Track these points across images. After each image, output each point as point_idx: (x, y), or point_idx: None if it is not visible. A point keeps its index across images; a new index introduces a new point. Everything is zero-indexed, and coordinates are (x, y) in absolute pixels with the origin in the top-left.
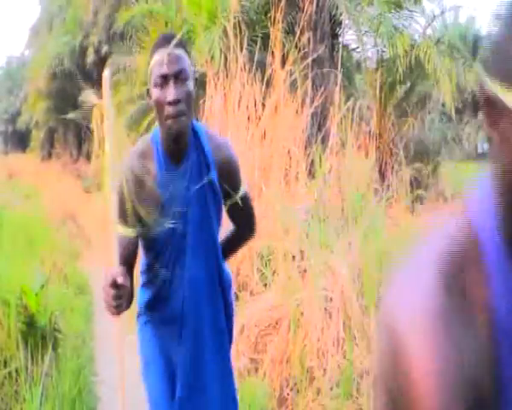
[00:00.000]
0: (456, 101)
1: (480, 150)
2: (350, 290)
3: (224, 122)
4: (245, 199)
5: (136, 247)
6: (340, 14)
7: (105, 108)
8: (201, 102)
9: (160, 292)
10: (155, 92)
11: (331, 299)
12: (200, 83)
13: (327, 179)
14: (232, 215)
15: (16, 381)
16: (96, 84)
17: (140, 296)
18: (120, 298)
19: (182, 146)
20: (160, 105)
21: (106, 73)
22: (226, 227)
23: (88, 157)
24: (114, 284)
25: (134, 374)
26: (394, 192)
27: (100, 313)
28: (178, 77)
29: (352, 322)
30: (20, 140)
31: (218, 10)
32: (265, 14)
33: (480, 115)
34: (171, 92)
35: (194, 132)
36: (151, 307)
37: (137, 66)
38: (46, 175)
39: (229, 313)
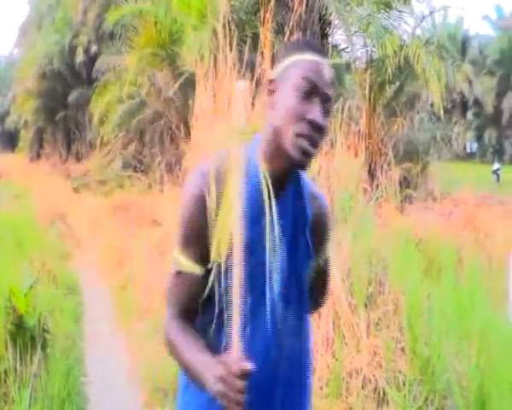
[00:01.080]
0: (445, 101)
1: (468, 150)
2: (339, 290)
3: (214, 122)
4: (327, 261)
5: (201, 290)
6: (330, 15)
7: (237, 126)
8: (191, 102)
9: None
10: (293, 98)
11: None
12: (190, 83)
13: (316, 179)
14: (309, 278)
15: (5, 382)
16: (86, 83)
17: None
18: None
19: (285, 182)
20: (294, 117)
21: (240, 85)
22: None
23: (77, 157)
24: (244, 374)
25: (123, 375)
26: (383, 192)
27: (89, 314)
28: (326, 103)
29: (341, 321)
30: (9, 140)
31: (208, 10)
32: (255, 14)
33: (469, 115)
34: (318, 112)
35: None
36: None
37: (127, 65)
38: (35, 175)
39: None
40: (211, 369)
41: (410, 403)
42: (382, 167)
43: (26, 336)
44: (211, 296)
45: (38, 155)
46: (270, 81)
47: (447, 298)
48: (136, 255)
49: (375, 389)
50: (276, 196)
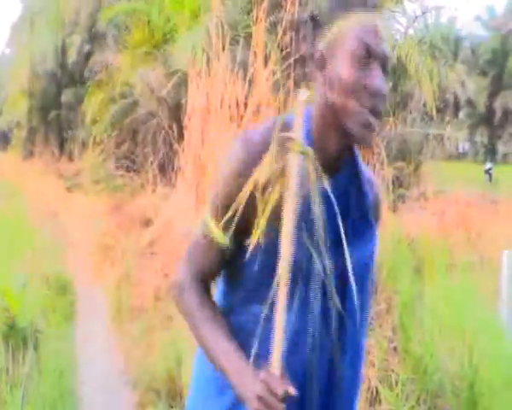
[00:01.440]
0: (438, 100)
1: (461, 150)
2: None
3: (206, 121)
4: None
5: (221, 265)
6: None
7: (297, 142)
8: (183, 101)
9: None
10: (348, 68)
11: None
12: (183, 82)
13: None
14: None
15: None
16: (78, 83)
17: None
18: None
19: (337, 165)
20: (352, 89)
21: (302, 94)
22: None
23: (70, 157)
24: (286, 397)
25: (115, 375)
26: None
27: (82, 314)
28: (385, 67)
29: None
30: (2, 139)
31: (201, 10)
32: (248, 14)
33: (461, 115)
34: (378, 78)
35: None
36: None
37: (119, 65)
38: (28, 174)
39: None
40: (248, 383)
41: (403, 402)
42: (375, 167)
43: (18, 336)
44: (241, 274)
45: (31, 154)
46: (318, 53)
47: (439, 297)
48: (129, 255)
49: (368, 388)
50: (328, 176)
